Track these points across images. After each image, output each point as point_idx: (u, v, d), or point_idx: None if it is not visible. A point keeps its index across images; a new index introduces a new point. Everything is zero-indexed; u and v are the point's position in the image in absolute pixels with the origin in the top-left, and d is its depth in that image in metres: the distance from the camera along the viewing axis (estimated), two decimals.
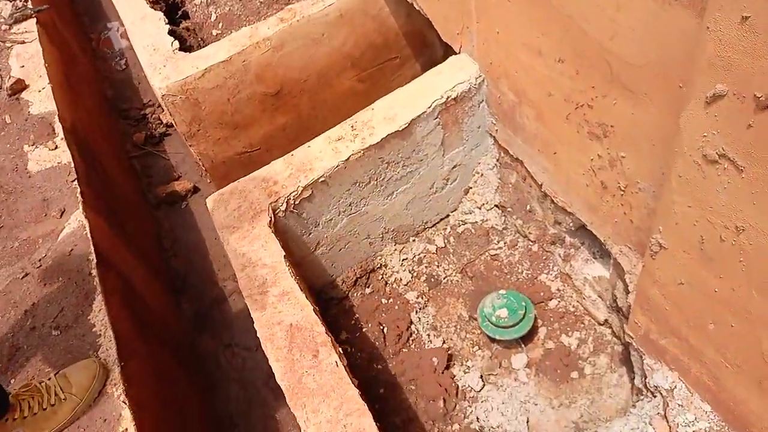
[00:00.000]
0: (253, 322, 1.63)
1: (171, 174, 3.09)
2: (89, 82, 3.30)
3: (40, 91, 2.60)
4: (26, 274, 1.92)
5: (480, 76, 2.04)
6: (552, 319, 2.09)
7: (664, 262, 1.41)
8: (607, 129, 1.52)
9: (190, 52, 2.61)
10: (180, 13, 2.90)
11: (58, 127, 2.41)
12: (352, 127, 2.04)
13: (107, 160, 2.75)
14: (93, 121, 2.93)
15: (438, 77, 2.10)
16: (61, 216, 2.09)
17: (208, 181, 2.97)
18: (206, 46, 2.65)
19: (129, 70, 3.75)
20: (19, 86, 2.60)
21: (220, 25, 2.71)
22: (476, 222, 2.27)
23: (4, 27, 2.96)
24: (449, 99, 2.04)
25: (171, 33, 2.65)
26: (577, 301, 2.09)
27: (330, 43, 2.60)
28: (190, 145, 2.54)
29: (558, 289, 2.12)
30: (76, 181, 2.18)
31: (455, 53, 2.16)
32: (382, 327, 2.19)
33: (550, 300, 2.12)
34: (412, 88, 2.10)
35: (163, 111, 3.34)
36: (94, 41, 3.96)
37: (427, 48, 2.81)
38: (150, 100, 3.47)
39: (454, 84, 2.04)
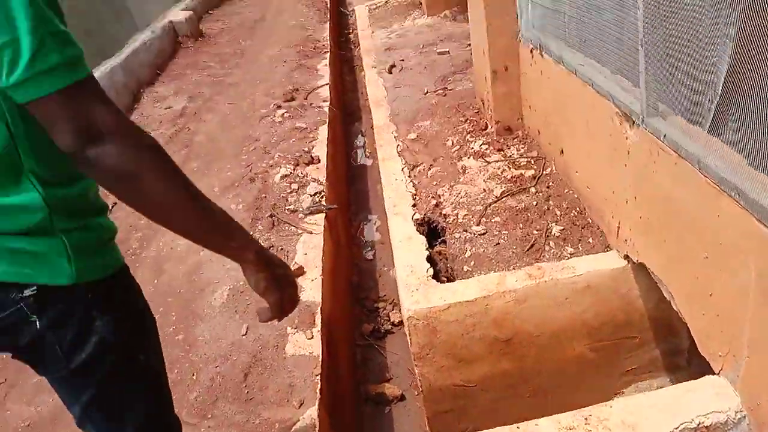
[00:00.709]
0: None
1: (384, 373, 3.31)
2: (344, 268, 3.85)
3: (312, 280, 3.09)
4: None
5: (741, 411, 1.89)
6: None
7: None
8: None
9: (439, 279, 2.93)
10: (439, 240, 3.31)
11: (318, 319, 2.80)
12: (585, 419, 2.01)
13: (342, 349, 3.08)
14: (340, 308, 3.36)
15: (688, 395, 2.00)
16: (299, 407, 2.35)
17: (416, 393, 3.10)
18: (455, 279, 2.95)
19: (374, 261, 4.28)
20: (299, 272, 3.13)
21: (472, 263, 3.01)
22: None
23: (300, 215, 3.67)
24: (701, 425, 1.90)
25: (428, 258, 3.01)
26: None
27: (571, 308, 2.69)
28: (416, 365, 2.74)
29: None
30: (319, 376, 2.48)
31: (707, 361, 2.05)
32: None
33: None
34: (657, 398, 2.02)
35: (393, 309, 3.68)
36: (353, 229, 4.67)
37: (673, 337, 2.72)
38: (385, 295, 3.86)
39: (709, 411, 1.91)
